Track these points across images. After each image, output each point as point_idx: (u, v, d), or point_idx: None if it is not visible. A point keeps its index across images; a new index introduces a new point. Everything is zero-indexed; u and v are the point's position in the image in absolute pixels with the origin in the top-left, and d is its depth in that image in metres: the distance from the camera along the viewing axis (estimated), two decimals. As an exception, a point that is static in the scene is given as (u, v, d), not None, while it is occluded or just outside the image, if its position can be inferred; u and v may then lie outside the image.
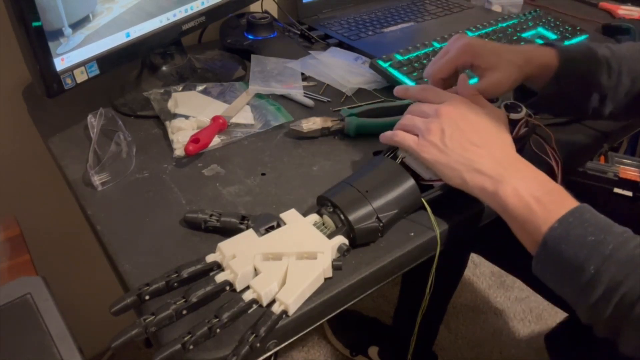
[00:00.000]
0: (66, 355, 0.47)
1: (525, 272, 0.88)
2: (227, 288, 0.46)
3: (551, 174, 0.51)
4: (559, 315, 1.39)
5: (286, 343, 0.47)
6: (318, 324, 0.48)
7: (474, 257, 1.45)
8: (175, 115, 0.68)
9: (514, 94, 0.67)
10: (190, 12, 0.73)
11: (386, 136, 0.58)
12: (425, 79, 0.66)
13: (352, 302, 0.51)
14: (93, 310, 1.04)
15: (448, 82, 0.63)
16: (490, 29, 0.92)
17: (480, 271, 1.54)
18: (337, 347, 1.30)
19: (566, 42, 0.92)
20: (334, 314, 0.49)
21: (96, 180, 0.58)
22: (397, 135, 0.57)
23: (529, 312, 1.44)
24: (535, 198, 0.47)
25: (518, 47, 0.65)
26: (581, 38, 0.95)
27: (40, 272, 0.60)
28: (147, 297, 0.45)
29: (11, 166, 0.86)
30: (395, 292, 1.24)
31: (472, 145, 0.52)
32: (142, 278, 0.48)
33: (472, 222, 0.58)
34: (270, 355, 0.46)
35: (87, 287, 1.06)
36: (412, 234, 0.53)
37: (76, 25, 0.58)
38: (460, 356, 1.33)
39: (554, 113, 0.70)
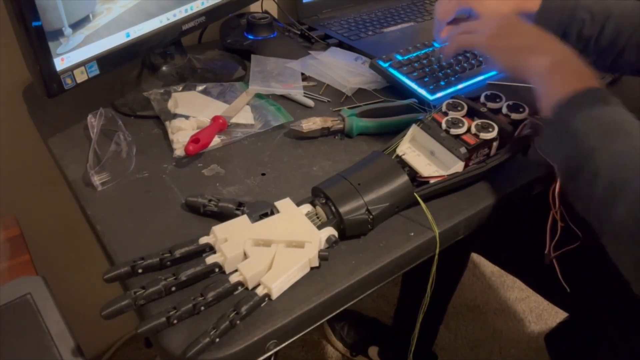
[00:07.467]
0: (66, 355, 0.47)
1: (525, 272, 0.89)
2: (217, 270, 0.48)
3: (553, 174, 0.51)
4: (559, 315, 1.39)
5: (286, 343, 0.47)
6: (318, 324, 0.48)
7: (474, 257, 1.45)
8: (175, 115, 0.68)
9: None
10: (190, 12, 0.73)
11: (445, 50, 0.70)
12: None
13: (352, 302, 0.51)
14: (93, 310, 1.04)
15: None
16: (490, 29, 0.92)
17: (480, 271, 1.54)
18: (337, 347, 1.30)
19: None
20: (334, 314, 0.49)
21: (96, 180, 0.58)
22: (456, 40, 0.67)
23: (529, 312, 1.44)
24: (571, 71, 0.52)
25: None
26: (581, 38, 0.95)
27: (40, 272, 0.60)
28: (140, 271, 0.47)
29: (11, 166, 0.86)
30: (395, 292, 1.24)
31: (523, 30, 0.60)
32: (142, 278, 0.48)
33: (472, 222, 0.58)
34: (270, 355, 0.46)
35: (87, 287, 1.06)
36: (412, 234, 0.53)
37: (76, 25, 0.58)
38: (460, 356, 1.33)
39: None
